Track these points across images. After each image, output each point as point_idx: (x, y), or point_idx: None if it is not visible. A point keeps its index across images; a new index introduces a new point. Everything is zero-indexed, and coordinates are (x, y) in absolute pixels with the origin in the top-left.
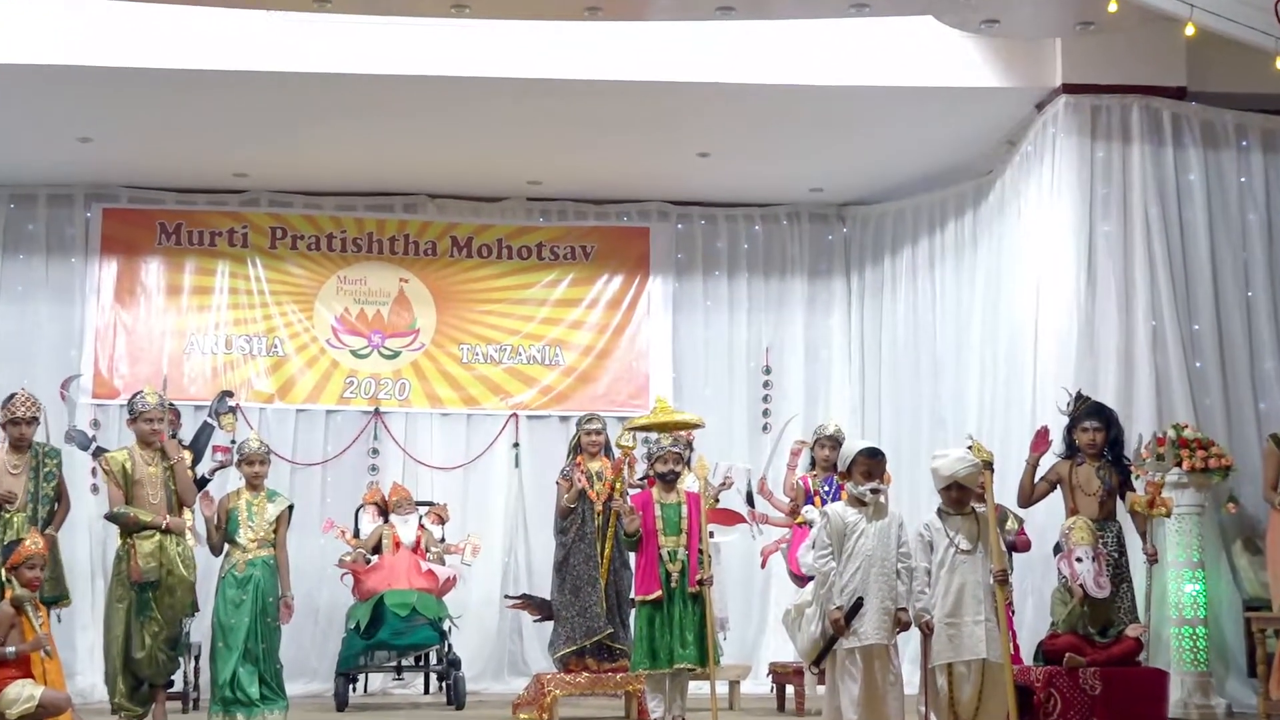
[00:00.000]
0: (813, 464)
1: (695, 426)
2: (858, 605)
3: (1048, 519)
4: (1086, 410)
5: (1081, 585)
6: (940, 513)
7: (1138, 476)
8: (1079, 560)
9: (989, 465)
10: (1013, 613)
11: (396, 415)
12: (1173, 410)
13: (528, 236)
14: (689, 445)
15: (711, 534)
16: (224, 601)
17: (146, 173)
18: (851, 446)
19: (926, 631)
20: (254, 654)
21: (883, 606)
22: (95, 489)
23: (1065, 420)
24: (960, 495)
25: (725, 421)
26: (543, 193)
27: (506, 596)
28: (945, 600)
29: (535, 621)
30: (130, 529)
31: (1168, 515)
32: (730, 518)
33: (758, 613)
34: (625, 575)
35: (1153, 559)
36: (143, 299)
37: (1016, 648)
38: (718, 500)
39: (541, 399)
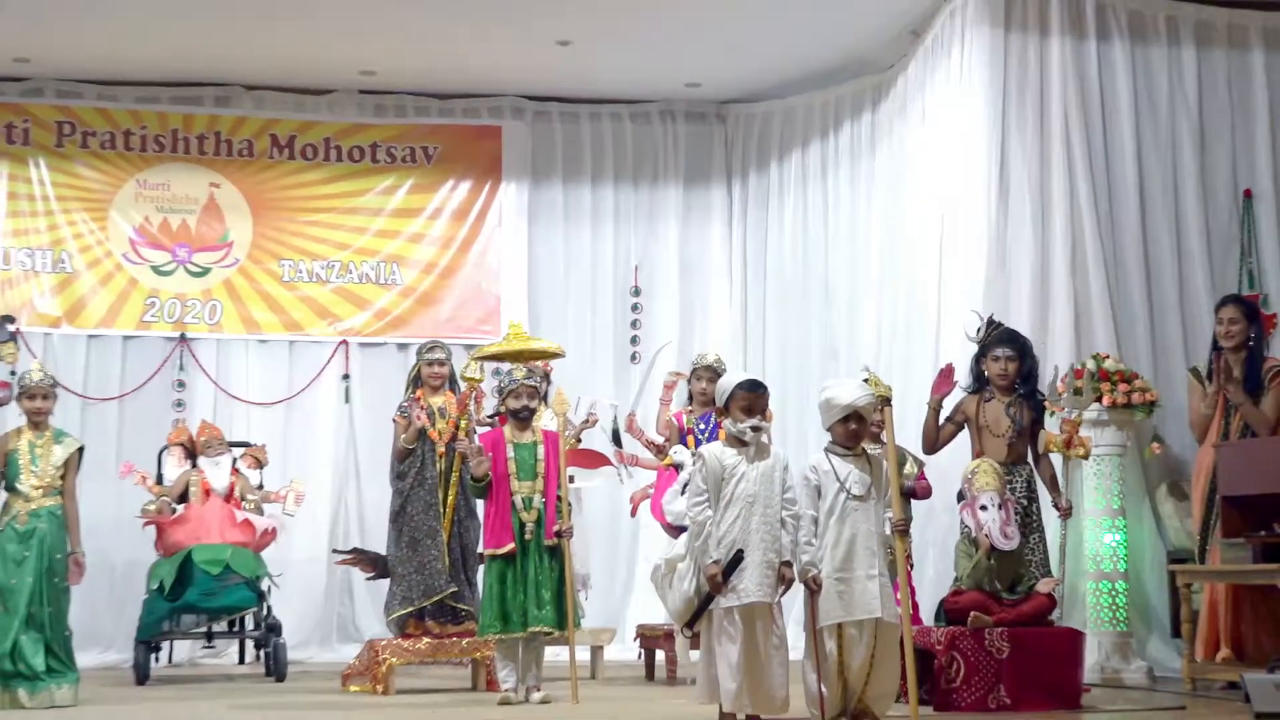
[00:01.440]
0: (689, 399)
1: (554, 356)
2: (737, 559)
3: (952, 462)
4: (998, 337)
5: (987, 536)
6: (829, 452)
7: (1052, 414)
8: (984, 509)
9: (887, 401)
10: (911, 567)
11: (206, 342)
12: (1092, 339)
13: (360, 136)
14: (546, 377)
15: (572, 479)
16: (2, 559)
17: None
18: (730, 379)
19: (814, 588)
20: (39, 620)
21: (765, 560)
22: None
23: (974, 349)
24: (858, 429)
25: (588, 350)
26: (377, 84)
27: (335, 551)
28: (835, 553)
29: (368, 580)
30: None
31: (1085, 457)
32: (594, 460)
33: (624, 569)
34: (472, 526)
35: (1065, 514)
36: None
37: (915, 606)
38: (579, 440)
39: (376, 324)
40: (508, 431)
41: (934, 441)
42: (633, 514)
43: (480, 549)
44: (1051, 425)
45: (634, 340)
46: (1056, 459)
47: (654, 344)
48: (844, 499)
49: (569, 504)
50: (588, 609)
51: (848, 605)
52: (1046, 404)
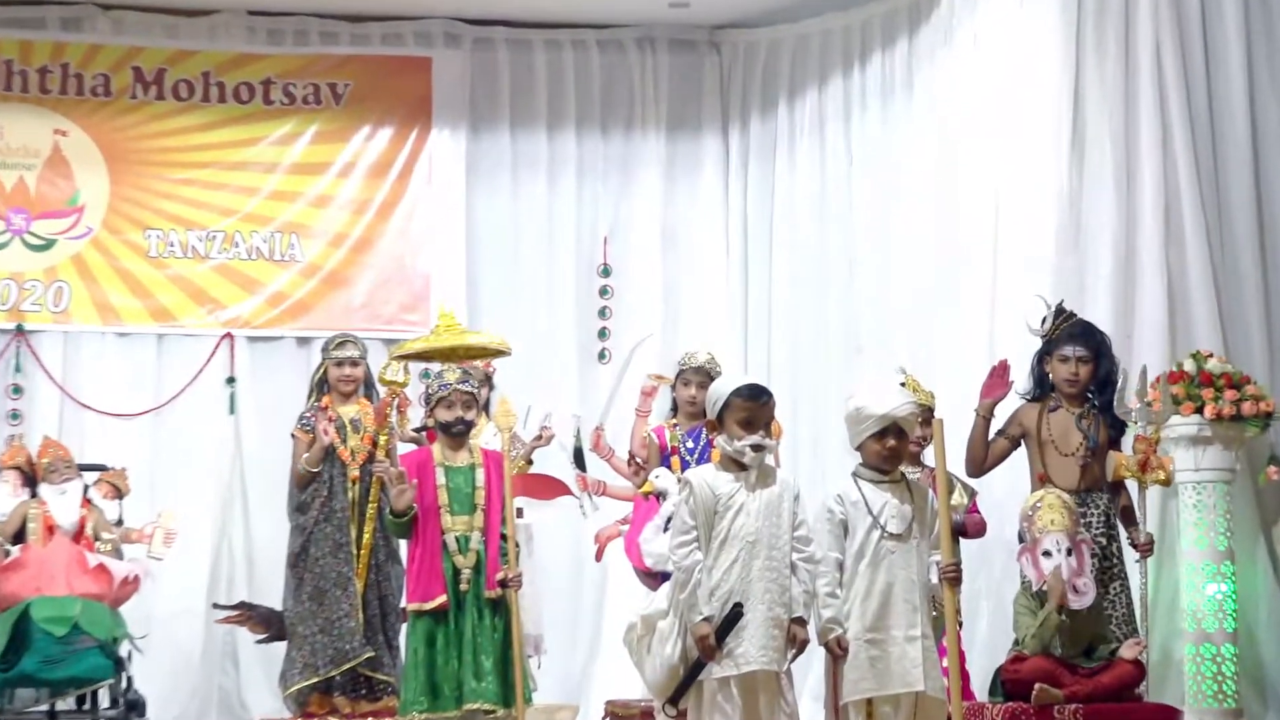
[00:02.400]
0: (673, 409)
1: (498, 354)
2: (735, 615)
3: (1009, 489)
4: (1068, 331)
5: (1061, 588)
6: (858, 478)
7: (1135, 427)
8: (1047, 554)
9: (932, 411)
10: (961, 626)
11: (50, 335)
12: (1191, 334)
13: (249, 69)
14: (488, 381)
15: (520, 512)
16: None
17: None
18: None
19: (837, 653)
20: None
21: (770, 616)
22: None
23: (1037, 345)
24: (897, 447)
25: (543, 346)
26: (271, 4)
27: (216, 606)
28: (865, 607)
29: (259, 643)
30: None
31: (1166, 483)
32: (549, 487)
33: (589, 628)
34: (394, 574)
35: (1145, 551)
36: None
37: (966, 677)
38: (530, 462)
39: (269, 312)
40: (438, 451)
41: (982, 460)
42: (598, 557)
43: (403, 603)
44: (1126, 445)
45: (602, 334)
46: (1133, 486)
47: (628, 338)
48: (878, 538)
49: (516, 545)
50: (541, 680)
51: (881, 675)
52: (1131, 417)
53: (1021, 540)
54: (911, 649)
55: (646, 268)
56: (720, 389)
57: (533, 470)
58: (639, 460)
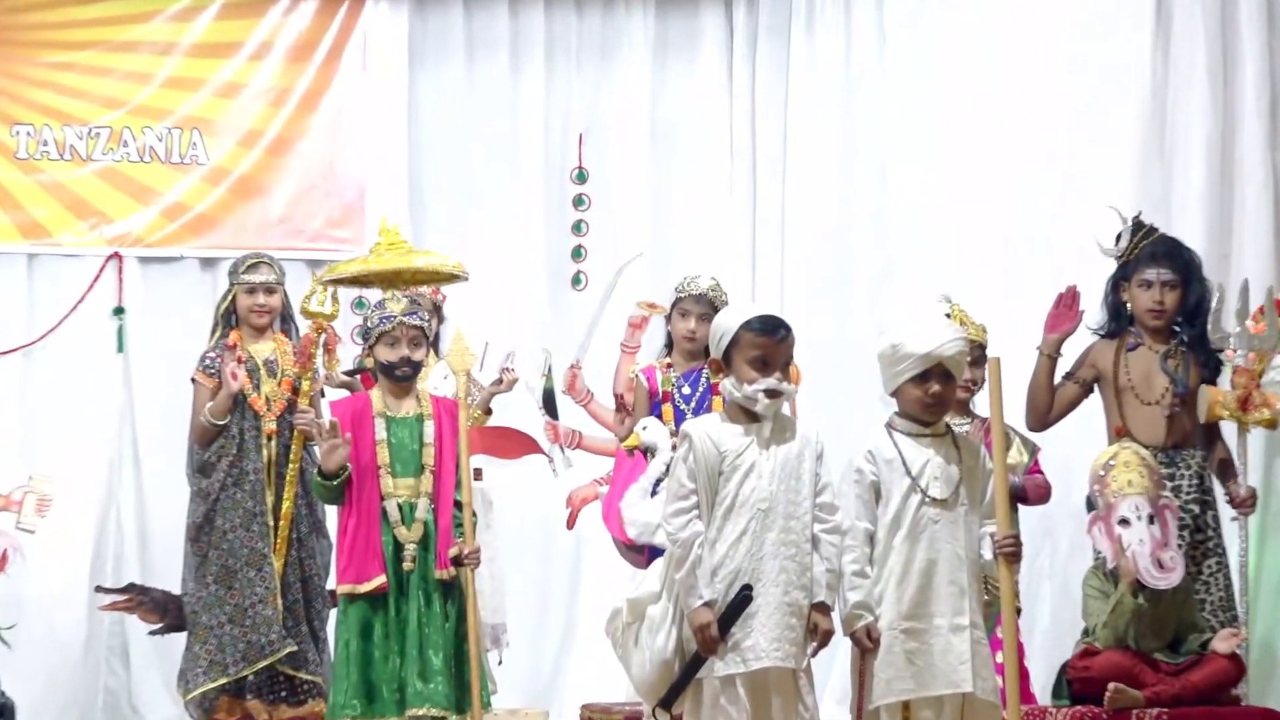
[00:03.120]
0: (667, 346)
1: (450, 280)
2: (743, 600)
3: (1081, 446)
4: (1151, 251)
5: (1133, 566)
6: (893, 431)
7: (1230, 365)
8: (1124, 523)
9: (983, 349)
10: (1019, 613)
11: None
12: None
13: None
14: (438, 313)
15: (479, 473)
16: None
17: None
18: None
19: (866, 645)
20: None
21: (786, 602)
22: None
23: (1112, 269)
24: (942, 393)
25: (505, 268)
26: None
27: (100, 589)
28: (902, 590)
29: (153, 634)
30: None
31: (1272, 425)
32: (513, 443)
33: (561, 616)
34: (319, 549)
35: (1245, 508)
36: None
37: (1025, 674)
38: (489, 412)
39: (166, 227)
40: (377, 399)
41: (1046, 409)
42: (570, 523)
43: (332, 585)
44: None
45: (577, 253)
46: (1230, 432)
47: (609, 259)
48: (917, 504)
49: (474, 514)
50: (502, 680)
51: (921, 674)
52: (1226, 351)
53: (1093, 507)
54: (957, 641)
55: (631, 172)
56: (727, 322)
57: (492, 422)
58: (624, 407)
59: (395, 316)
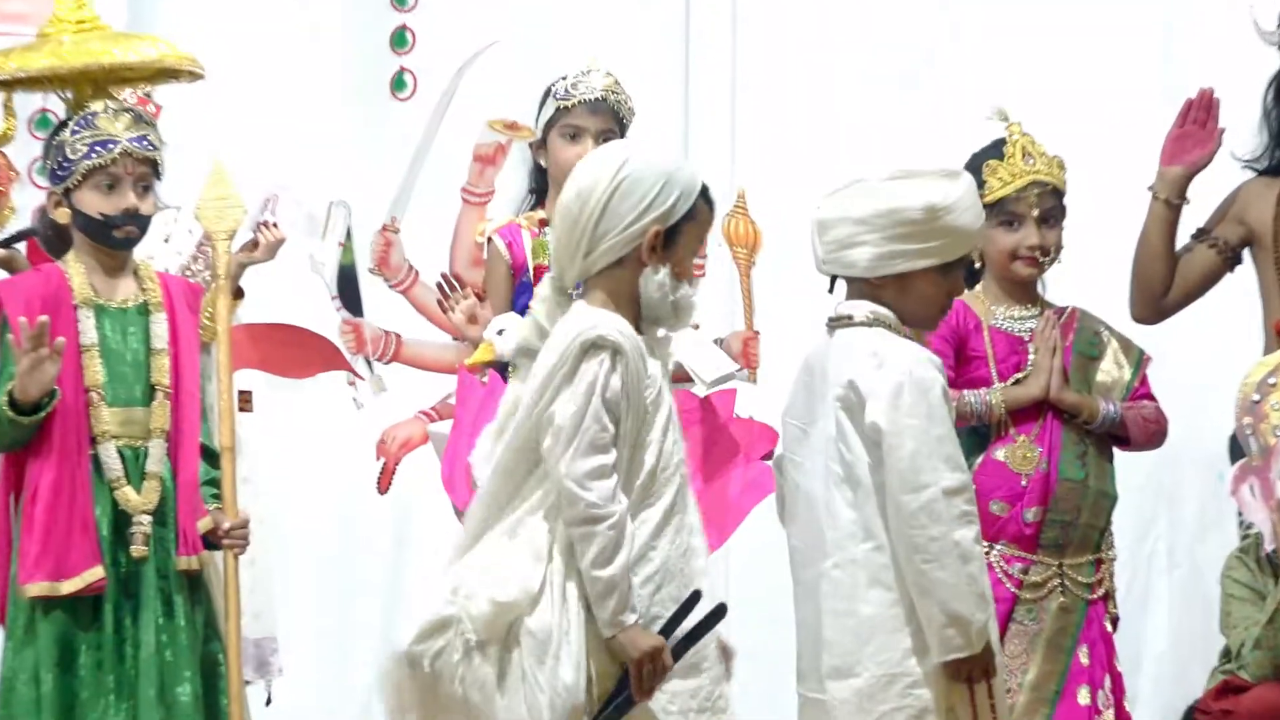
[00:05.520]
0: (537, 190)
1: (193, 77)
2: (713, 616)
3: (1218, 350)
4: None
5: None
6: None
7: None
8: None
9: (1058, 196)
10: (1117, 624)
11: None
12: None
13: None
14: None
15: (248, 399)
16: None
17: None
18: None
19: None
20: None
21: None
22: None
23: (1273, 68)
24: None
25: (279, 65)
26: None
27: None
28: None
29: None
30: None
31: None
32: (305, 351)
33: (369, 627)
34: None
35: None
36: None
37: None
38: (241, 294)
39: None
40: (78, 278)
41: (1163, 286)
42: (383, 486)
43: (15, 579)
44: None
45: (399, 40)
46: None
47: (446, 52)
48: None
49: (235, 471)
50: None
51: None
52: None
53: (1242, 454)
54: None
55: None
56: (683, 173)
57: (257, 316)
58: (467, 292)
59: (116, 141)
